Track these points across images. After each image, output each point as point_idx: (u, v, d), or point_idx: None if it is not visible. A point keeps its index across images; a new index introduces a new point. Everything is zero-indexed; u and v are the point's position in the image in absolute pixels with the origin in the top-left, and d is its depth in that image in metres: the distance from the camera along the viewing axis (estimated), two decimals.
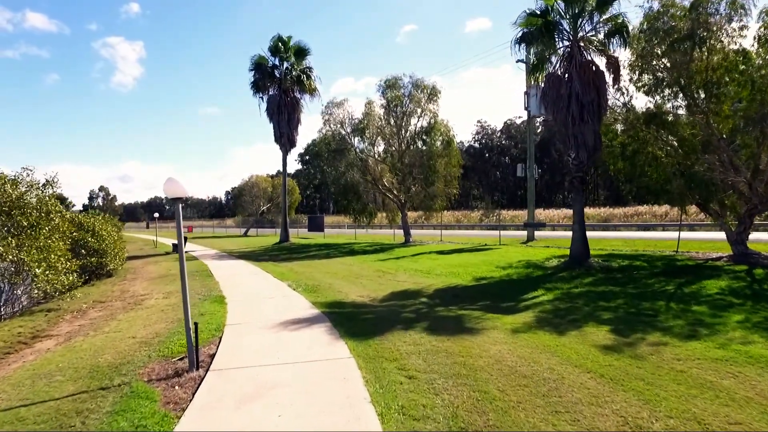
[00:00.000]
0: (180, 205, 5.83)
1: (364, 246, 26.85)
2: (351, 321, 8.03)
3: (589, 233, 16.11)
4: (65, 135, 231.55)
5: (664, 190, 14.87)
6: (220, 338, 7.24)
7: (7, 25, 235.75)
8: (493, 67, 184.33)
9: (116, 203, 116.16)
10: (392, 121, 28.03)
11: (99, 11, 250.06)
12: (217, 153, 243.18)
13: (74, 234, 15.02)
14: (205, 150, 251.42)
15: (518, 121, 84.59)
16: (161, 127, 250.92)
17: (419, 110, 27.08)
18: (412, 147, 27.97)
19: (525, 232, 27.42)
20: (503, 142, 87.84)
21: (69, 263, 11.48)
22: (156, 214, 37.70)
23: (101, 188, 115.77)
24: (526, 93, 26.09)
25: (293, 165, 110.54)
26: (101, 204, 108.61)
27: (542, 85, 16.29)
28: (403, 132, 27.92)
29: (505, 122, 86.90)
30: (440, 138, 27.24)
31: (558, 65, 15.53)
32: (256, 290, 11.61)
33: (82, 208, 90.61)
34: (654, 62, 14.27)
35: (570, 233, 17.62)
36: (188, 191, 5.55)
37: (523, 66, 26.19)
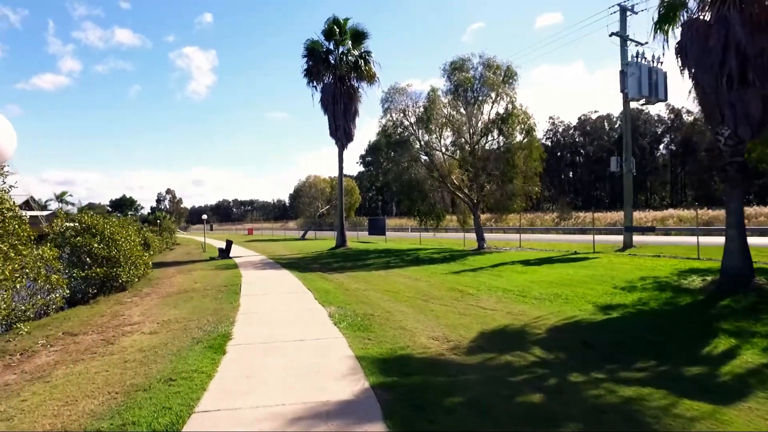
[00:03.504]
0: None
1: (431, 253, 23.06)
2: (425, 411, 4.33)
3: (704, 239, 11.54)
4: (145, 142, 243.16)
5: None
6: None
7: (99, 42, 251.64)
8: (565, 63, 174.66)
9: (182, 205, 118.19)
10: (461, 109, 24.09)
11: (176, 23, 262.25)
12: (283, 157, 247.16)
13: (76, 239, 12.34)
14: (272, 154, 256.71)
15: (594, 116, 77.83)
16: (231, 133, 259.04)
17: (493, 94, 22.91)
18: (485, 138, 23.94)
19: (613, 237, 22.76)
20: (577, 139, 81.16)
21: (41, 280, 8.62)
22: (204, 216, 35.74)
23: (168, 191, 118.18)
24: (622, 72, 21.34)
25: (354, 167, 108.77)
26: (167, 206, 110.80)
27: (675, 38, 11.91)
28: (474, 121, 23.89)
29: (580, 118, 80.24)
30: (519, 127, 23.02)
31: (706, 7, 11.13)
32: (282, 325, 8.10)
33: (150, 211, 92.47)
34: None
35: (681, 239, 13.06)
36: None
37: (617, 41, 21.64)
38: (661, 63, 19.53)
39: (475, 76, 23.20)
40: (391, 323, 8.20)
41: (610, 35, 21.20)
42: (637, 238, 23.09)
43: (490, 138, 23.77)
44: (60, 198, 58.90)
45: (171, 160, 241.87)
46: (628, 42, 21.09)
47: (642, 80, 18.64)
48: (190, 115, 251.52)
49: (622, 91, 21.33)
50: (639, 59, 19.08)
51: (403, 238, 39.01)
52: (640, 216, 43.56)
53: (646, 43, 20.37)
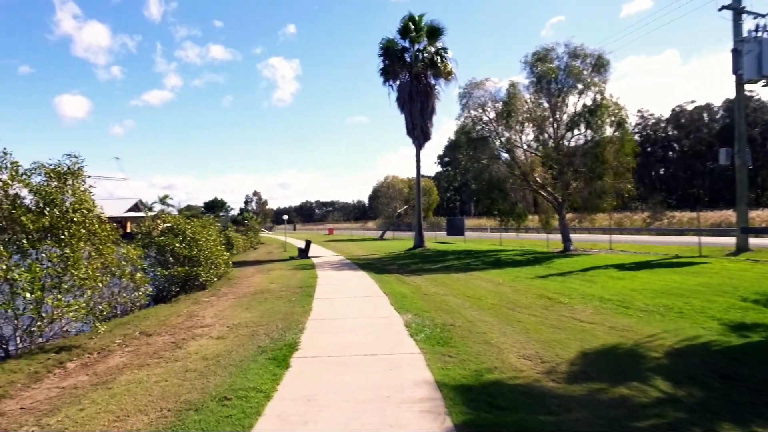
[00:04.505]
0: None
1: (513, 254, 21.50)
2: None
3: None
4: (235, 147, 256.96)
5: None
6: None
7: (196, 59, 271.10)
8: (655, 53, 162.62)
9: (267, 207, 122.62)
10: (544, 103, 22.29)
11: (262, 36, 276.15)
12: (364, 159, 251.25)
13: (160, 239, 12.37)
14: (352, 156, 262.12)
15: (690, 107, 71.11)
16: (314, 137, 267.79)
17: (580, 85, 20.92)
18: (570, 133, 21.97)
19: (718, 239, 19.93)
20: (669, 132, 74.59)
21: (126, 278, 8.49)
22: (285, 216, 36.23)
23: (255, 193, 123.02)
24: (734, 50, 18.50)
25: (432, 167, 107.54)
26: (254, 207, 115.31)
27: None
28: (558, 115, 22.04)
29: (673, 110, 73.37)
30: (609, 119, 20.86)
31: None
32: (353, 334, 7.27)
33: (238, 212, 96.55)
34: None
35: None
36: None
37: (728, 15, 18.87)
38: None
39: (560, 66, 21.37)
40: (475, 336, 7.14)
41: (720, 9, 18.47)
42: (752, 241, 20.13)
43: (576, 132, 21.79)
44: (163, 200, 62.72)
45: (259, 164, 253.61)
46: (744, 15, 18.26)
47: (763, 57, 15.85)
48: (276, 122, 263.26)
49: (734, 72, 18.43)
50: (759, 33, 16.30)
51: (483, 239, 37.35)
52: (752, 215, 38.78)
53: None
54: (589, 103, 20.81)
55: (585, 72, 20.66)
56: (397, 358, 5.97)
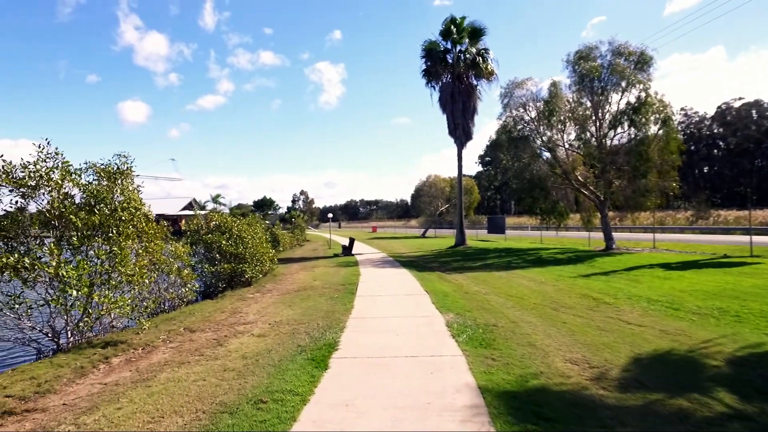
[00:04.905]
0: None
1: (554, 253, 20.66)
2: None
3: None
4: (283, 149, 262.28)
5: None
6: None
7: (248, 65, 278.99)
8: (700, 51, 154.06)
9: (314, 205, 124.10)
10: (586, 101, 21.27)
11: (309, 41, 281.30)
12: (407, 159, 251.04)
13: (207, 236, 12.44)
14: (397, 157, 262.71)
15: (737, 104, 66.84)
16: (359, 138, 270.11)
17: (623, 83, 19.77)
18: (613, 131, 20.85)
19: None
20: (715, 130, 70.35)
21: (174, 275, 8.50)
22: (330, 215, 36.30)
23: (302, 192, 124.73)
24: None
25: (473, 167, 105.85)
26: (301, 206, 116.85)
27: None
28: (600, 113, 20.97)
29: (719, 107, 69.14)
30: (653, 117, 19.65)
31: None
32: (394, 334, 6.94)
33: (286, 210, 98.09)
34: None
35: None
36: None
37: None
38: None
39: (603, 64, 20.30)
40: (518, 337, 6.70)
41: None
42: None
43: (619, 130, 20.65)
44: (215, 199, 64.44)
45: (306, 164, 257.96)
46: None
47: None
48: (323, 124, 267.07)
49: None
50: None
51: (523, 237, 36.27)
52: None
53: None
54: (632, 100, 19.68)
55: (629, 69, 19.53)
56: (439, 360, 5.63)
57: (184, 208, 62.83)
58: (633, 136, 19.98)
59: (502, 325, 7.46)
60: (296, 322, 8.10)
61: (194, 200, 66.57)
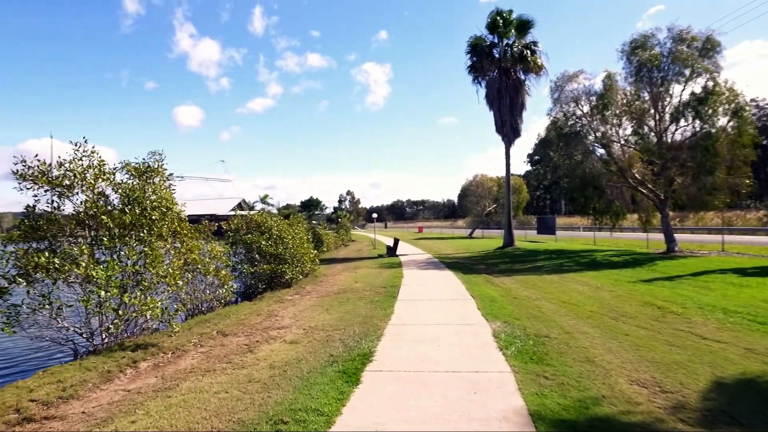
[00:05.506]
0: None
1: (609, 255, 19.31)
2: None
3: None
4: (330, 149, 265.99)
5: None
6: None
7: (295, 67, 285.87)
8: None
9: (360, 205, 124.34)
10: (644, 93, 19.76)
11: (356, 43, 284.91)
12: (454, 159, 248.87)
13: (246, 236, 12.22)
14: (442, 156, 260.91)
15: None
16: (405, 138, 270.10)
17: (687, 71, 18.20)
18: (675, 124, 19.24)
19: None
20: None
21: (211, 275, 8.22)
22: (374, 215, 35.94)
23: (348, 192, 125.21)
24: None
25: (521, 166, 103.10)
26: (347, 206, 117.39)
27: None
28: (660, 105, 19.42)
29: None
30: (722, 108, 17.95)
31: None
32: (435, 345, 6.28)
33: (332, 210, 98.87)
34: None
35: None
36: None
37: None
38: None
39: (663, 52, 18.78)
40: (574, 352, 5.93)
41: None
42: None
43: (682, 123, 19.04)
44: (263, 200, 65.71)
45: (352, 165, 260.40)
46: None
47: None
48: (369, 124, 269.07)
49: None
50: None
51: (574, 238, 34.53)
52: None
53: None
54: (698, 90, 18.08)
55: (693, 57, 17.92)
56: (484, 377, 4.98)
57: (234, 209, 64.41)
58: (698, 129, 18.33)
59: (555, 336, 6.69)
60: (332, 328, 7.63)
61: (243, 201, 68.21)
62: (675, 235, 20.22)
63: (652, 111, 19.52)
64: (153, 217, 7.59)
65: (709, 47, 18.07)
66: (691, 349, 5.98)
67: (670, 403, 4.27)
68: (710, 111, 17.63)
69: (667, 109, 19.30)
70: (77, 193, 7.38)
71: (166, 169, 8.39)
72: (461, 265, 17.59)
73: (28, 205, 7.51)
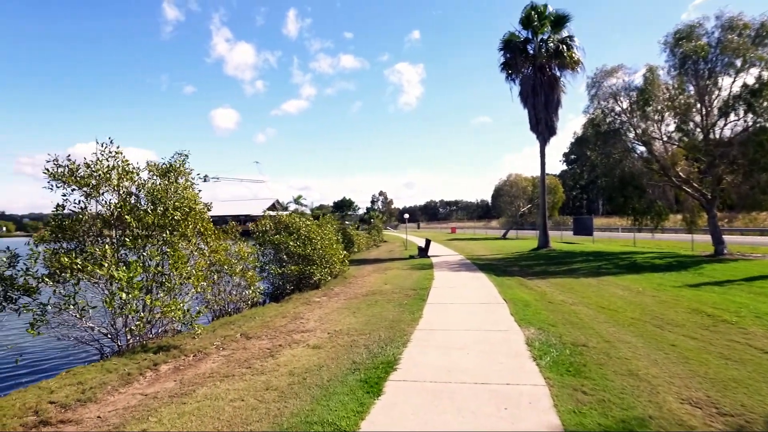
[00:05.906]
0: None
1: (651, 257, 18.28)
2: None
3: None
4: (363, 150, 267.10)
5: None
6: None
7: (329, 69, 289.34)
8: None
9: (393, 206, 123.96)
10: (689, 87, 18.63)
11: (388, 43, 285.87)
12: (487, 159, 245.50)
13: (274, 237, 12.06)
14: (476, 156, 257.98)
15: None
16: (438, 138, 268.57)
17: (738, 62, 17.01)
18: (723, 119, 18.04)
19: None
20: None
21: (237, 276, 8.04)
22: (406, 216, 35.44)
23: (380, 192, 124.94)
24: None
25: (557, 166, 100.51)
26: (380, 207, 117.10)
27: None
28: (707, 99, 18.25)
29: None
30: None
31: None
32: (464, 353, 5.87)
33: (365, 210, 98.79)
34: None
35: None
36: None
37: None
38: None
39: (710, 43, 17.62)
40: (615, 364, 5.40)
41: None
42: None
43: (732, 118, 17.83)
44: (297, 200, 66.21)
45: (385, 165, 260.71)
46: None
47: None
48: (402, 124, 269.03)
49: None
50: None
51: (613, 239, 33.13)
52: None
53: None
54: (750, 82, 16.87)
55: (745, 46, 16.71)
56: (515, 390, 4.54)
57: (268, 209, 65.17)
58: (750, 123, 17.12)
59: (593, 346, 6.15)
60: (357, 333, 7.31)
61: (277, 201, 69.00)
62: (723, 236, 18.98)
63: (698, 105, 18.37)
64: (175, 218, 7.46)
65: (764, 34, 16.80)
66: (751, 364, 5.34)
67: (731, 429, 3.73)
68: (765, 104, 16.41)
69: (714, 103, 18.12)
70: (103, 194, 7.34)
71: (190, 170, 8.29)
72: (494, 267, 17.00)
73: (58, 204, 7.54)
